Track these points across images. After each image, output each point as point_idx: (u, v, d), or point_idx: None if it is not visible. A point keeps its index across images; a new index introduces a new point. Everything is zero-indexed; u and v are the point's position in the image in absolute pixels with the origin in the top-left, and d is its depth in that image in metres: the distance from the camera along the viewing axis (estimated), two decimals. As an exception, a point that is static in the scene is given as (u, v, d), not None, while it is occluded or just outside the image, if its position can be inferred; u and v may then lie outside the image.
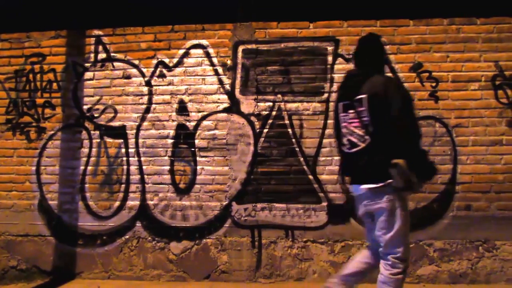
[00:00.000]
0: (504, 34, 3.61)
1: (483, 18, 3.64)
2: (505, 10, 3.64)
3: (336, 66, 3.71)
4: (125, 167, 3.84)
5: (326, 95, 3.71)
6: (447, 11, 3.68)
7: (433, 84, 3.64)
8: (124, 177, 3.84)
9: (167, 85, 3.85)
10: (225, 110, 3.78)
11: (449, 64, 3.64)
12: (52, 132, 3.93)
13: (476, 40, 3.64)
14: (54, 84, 3.97)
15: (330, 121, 3.67)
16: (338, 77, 3.68)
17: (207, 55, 3.83)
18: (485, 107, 3.58)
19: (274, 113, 3.73)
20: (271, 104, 3.74)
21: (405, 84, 3.57)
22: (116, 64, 3.92)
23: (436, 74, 3.64)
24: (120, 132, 3.86)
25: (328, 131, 3.67)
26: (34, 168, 3.92)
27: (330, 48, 3.73)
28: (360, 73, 2.44)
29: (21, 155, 3.96)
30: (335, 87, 3.69)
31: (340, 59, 3.72)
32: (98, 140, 3.88)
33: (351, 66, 3.67)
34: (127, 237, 3.80)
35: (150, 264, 3.76)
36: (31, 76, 4.00)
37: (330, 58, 3.72)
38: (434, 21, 3.68)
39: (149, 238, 3.78)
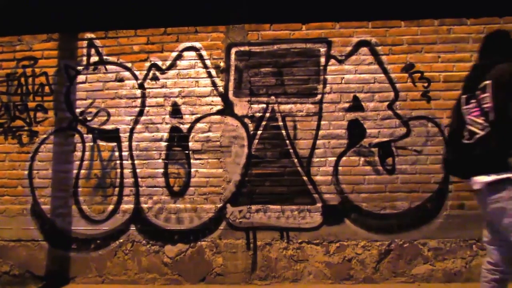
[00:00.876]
0: (494, 34, 3.65)
1: (473, 18, 3.69)
2: (494, 10, 3.69)
3: (329, 68, 3.73)
4: (118, 170, 3.82)
5: (319, 96, 3.72)
6: (437, 12, 3.72)
7: (425, 84, 3.67)
8: (117, 180, 3.82)
9: (160, 87, 3.85)
10: (218, 112, 3.78)
11: (441, 64, 3.68)
12: (45, 136, 3.90)
13: (467, 40, 3.68)
14: (46, 88, 3.94)
15: (324, 122, 3.70)
16: (331, 78, 3.72)
17: (200, 57, 3.83)
18: (477, 107, 3.61)
19: (267, 114, 3.74)
20: (264, 106, 3.75)
21: (397, 85, 3.66)
22: (108, 67, 3.91)
23: (428, 75, 3.67)
24: (113, 135, 3.85)
25: (322, 132, 3.69)
26: (26, 172, 3.89)
27: (322, 50, 3.75)
28: (486, 63, 2.29)
29: (13, 159, 3.93)
30: (328, 88, 3.71)
31: (332, 60, 3.74)
32: (91, 144, 3.86)
33: (343, 67, 3.72)
34: (121, 240, 3.77)
35: (144, 268, 3.74)
36: (22, 79, 3.97)
37: (322, 60, 3.74)
38: (425, 22, 3.72)
39: (144, 242, 3.76)
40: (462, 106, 2.37)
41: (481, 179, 2.17)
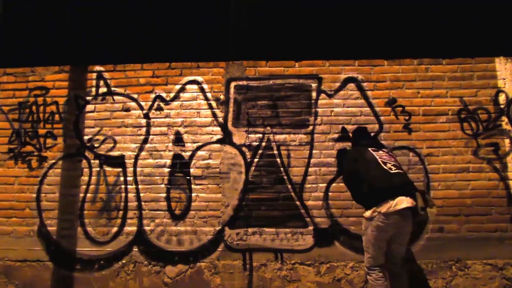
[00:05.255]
0: (466, 73, 4.07)
1: (448, 59, 4.10)
2: (467, 51, 4.12)
3: (319, 101, 4.08)
4: (123, 194, 4.06)
5: (311, 127, 4.05)
6: (416, 52, 4.14)
7: (406, 117, 4.03)
8: (122, 203, 4.05)
9: (164, 117, 4.14)
10: (218, 141, 4.08)
11: (420, 99, 4.06)
12: (53, 161, 4.13)
13: (443, 78, 4.08)
14: (56, 116, 4.20)
15: (315, 151, 4.02)
16: (321, 111, 4.07)
17: (202, 90, 4.16)
18: (453, 138, 3.99)
19: (263, 144, 4.05)
20: (261, 135, 4.06)
21: (381, 118, 4.02)
22: (116, 97, 4.20)
23: (409, 108, 4.04)
24: (119, 161, 4.10)
25: (313, 160, 4.00)
26: (34, 195, 4.10)
27: (314, 85, 4.11)
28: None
29: (22, 183, 4.13)
30: (319, 120, 4.06)
31: (323, 95, 4.09)
32: (98, 169, 4.11)
33: (333, 101, 4.08)
34: (124, 261, 3.97)
35: (146, 288, 3.94)
36: (34, 108, 4.23)
37: (314, 94, 4.09)
38: (405, 61, 4.12)
39: (145, 262, 3.96)
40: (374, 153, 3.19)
41: (411, 200, 2.93)
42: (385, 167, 3.06)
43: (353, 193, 3.29)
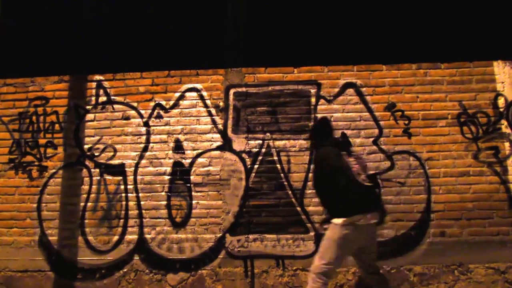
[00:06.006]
0: (465, 77, 4.08)
1: (447, 63, 4.12)
2: (465, 56, 4.13)
3: (319, 107, 4.09)
4: (123, 202, 4.06)
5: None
6: (415, 57, 4.15)
7: (406, 122, 4.04)
8: (123, 212, 4.05)
9: (164, 125, 4.15)
10: (218, 148, 4.09)
11: (419, 103, 4.07)
12: (54, 170, 4.14)
13: (442, 82, 4.09)
14: (57, 125, 4.22)
15: (315, 157, 4.01)
16: (320, 116, 4.06)
17: (201, 97, 4.17)
18: (453, 142, 3.99)
19: (263, 150, 4.06)
20: (260, 142, 4.07)
21: (381, 122, 4.03)
22: (116, 106, 4.22)
23: (408, 113, 4.05)
24: (119, 170, 4.11)
25: (313, 166, 3.99)
26: (35, 205, 4.10)
27: (313, 91, 4.12)
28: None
29: (22, 193, 4.14)
30: (318, 125, 4.06)
31: (322, 100, 4.11)
32: (98, 178, 4.11)
33: (332, 106, 4.09)
34: (125, 270, 3.96)
35: (147, 296, 3.93)
36: (34, 118, 4.25)
37: (313, 100, 4.11)
38: (404, 66, 4.13)
39: (147, 271, 3.95)
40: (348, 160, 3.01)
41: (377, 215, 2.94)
42: (359, 179, 2.95)
43: (328, 195, 3.00)
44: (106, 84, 4.26)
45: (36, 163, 4.18)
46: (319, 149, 3.15)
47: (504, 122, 3.97)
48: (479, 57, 4.10)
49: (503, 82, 4.02)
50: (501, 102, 4.00)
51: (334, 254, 2.86)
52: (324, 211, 3.23)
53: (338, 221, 2.87)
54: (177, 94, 4.19)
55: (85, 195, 4.10)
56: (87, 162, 4.15)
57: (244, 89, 4.16)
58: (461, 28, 4.17)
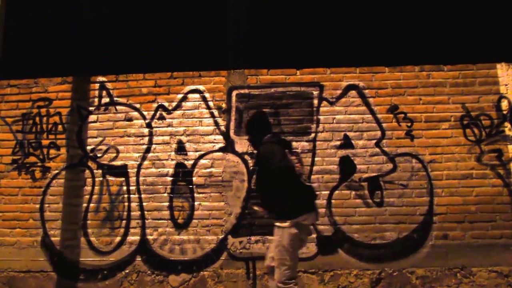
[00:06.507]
0: (468, 79, 4.07)
1: (450, 65, 4.11)
2: (468, 58, 4.12)
3: (321, 109, 4.09)
4: (126, 203, 4.07)
5: (313, 135, 4.06)
6: (417, 59, 4.14)
7: (409, 124, 4.03)
8: (125, 213, 4.06)
9: (167, 126, 4.16)
10: (220, 150, 4.09)
11: (422, 106, 4.06)
12: (57, 171, 4.16)
13: (444, 84, 4.08)
14: (60, 126, 4.24)
15: (318, 159, 4.02)
16: (323, 118, 4.07)
17: (204, 99, 4.18)
18: (456, 144, 3.97)
19: (266, 151, 4.05)
20: (263, 143, 4.07)
21: (384, 124, 4.02)
22: (118, 107, 4.23)
23: (411, 115, 4.04)
24: (121, 171, 4.12)
25: (316, 167, 4.00)
26: (38, 206, 4.12)
27: (315, 93, 4.12)
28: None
29: (25, 194, 4.16)
30: (320, 127, 4.06)
31: (324, 102, 4.10)
32: (101, 179, 4.12)
33: (334, 108, 4.09)
34: (127, 271, 3.97)
35: (149, 297, 3.93)
36: (37, 119, 4.27)
37: (315, 102, 4.11)
38: (406, 68, 4.13)
39: (149, 272, 3.96)
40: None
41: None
42: (301, 178, 2.95)
43: (274, 196, 2.87)
44: (109, 85, 4.27)
45: (39, 164, 4.19)
46: (261, 146, 2.94)
47: (507, 125, 3.95)
48: (482, 59, 4.09)
49: (506, 85, 4.01)
50: (504, 104, 3.99)
51: (290, 255, 2.86)
52: (265, 212, 3.08)
53: (285, 224, 2.82)
54: (180, 96, 4.20)
55: (87, 196, 4.11)
56: (90, 163, 4.16)
57: (246, 91, 4.16)
58: (464, 30, 4.16)
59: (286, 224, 2.81)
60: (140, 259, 3.98)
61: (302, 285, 3.84)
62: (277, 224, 2.87)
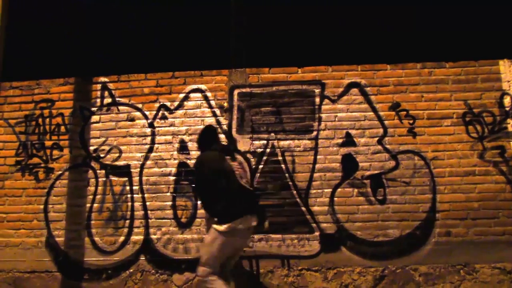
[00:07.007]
0: (470, 76, 4.06)
1: (451, 62, 4.10)
2: (470, 54, 4.11)
3: (323, 107, 4.09)
4: (129, 203, 4.08)
5: (315, 133, 4.06)
6: (419, 56, 4.13)
7: (411, 121, 4.03)
8: (128, 213, 4.07)
9: (169, 126, 4.17)
10: (223, 149, 4.10)
11: (424, 103, 4.05)
12: (60, 172, 4.18)
13: (446, 81, 4.07)
14: (62, 127, 4.25)
15: (320, 157, 4.02)
16: (325, 116, 4.07)
17: (206, 98, 4.19)
18: (458, 141, 3.97)
19: (268, 150, 4.06)
20: (265, 142, 4.08)
21: (386, 122, 4.02)
22: (121, 108, 4.24)
23: (413, 112, 4.04)
24: (124, 171, 4.13)
25: (318, 165, 4.00)
26: (42, 206, 4.14)
27: (317, 91, 4.12)
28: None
29: (29, 195, 4.18)
30: (322, 125, 4.06)
31: (326, 100, 4.10)
32: (104, 179, 4.14)
33: (336, 106, 4.08)
34: (131, 270, 3.99)
35: (153, 296, 3.95)
36: (40, 120, 4.28)
37: (317, 100, 4.10)
38: (408, 65, 4.12)
39: (153, 271, 3.98)
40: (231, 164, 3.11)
41: (256, 218, 3.04)
42: (241, 182, 3.04)
43: (209, 202, 3.06)
44: (111, 85, 4.28)
45: (43, 165, 4.21)
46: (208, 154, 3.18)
47: (510, 121, 3.94)
48: (484, 56, 4.07)
49: (509, 81, 4.00)
50: (507, 101, 3.98)
51: (214, 259, 2.96)
52: (206, 215, 3.35)
53: (220, 227, 2.91)
54: (182, 95, 4.21)
55: (91, 196, 4.13)
56: (93, 164, 4.18)
57: (248, 90, 4.16)
58: (466, 27, 4.15)
59: (221, 228, 2.90)
60: (144, 258, 4.00)
61: (305, 283, 3.86)
62: (214, 226, 2.97)
